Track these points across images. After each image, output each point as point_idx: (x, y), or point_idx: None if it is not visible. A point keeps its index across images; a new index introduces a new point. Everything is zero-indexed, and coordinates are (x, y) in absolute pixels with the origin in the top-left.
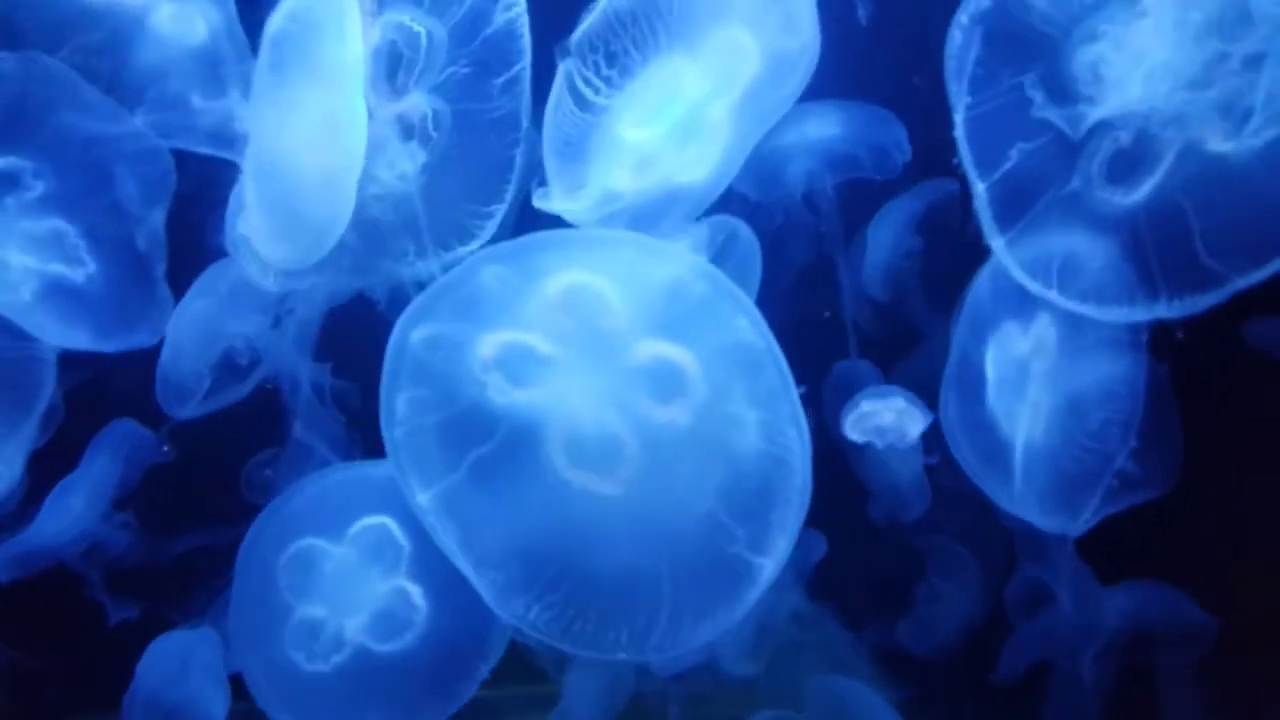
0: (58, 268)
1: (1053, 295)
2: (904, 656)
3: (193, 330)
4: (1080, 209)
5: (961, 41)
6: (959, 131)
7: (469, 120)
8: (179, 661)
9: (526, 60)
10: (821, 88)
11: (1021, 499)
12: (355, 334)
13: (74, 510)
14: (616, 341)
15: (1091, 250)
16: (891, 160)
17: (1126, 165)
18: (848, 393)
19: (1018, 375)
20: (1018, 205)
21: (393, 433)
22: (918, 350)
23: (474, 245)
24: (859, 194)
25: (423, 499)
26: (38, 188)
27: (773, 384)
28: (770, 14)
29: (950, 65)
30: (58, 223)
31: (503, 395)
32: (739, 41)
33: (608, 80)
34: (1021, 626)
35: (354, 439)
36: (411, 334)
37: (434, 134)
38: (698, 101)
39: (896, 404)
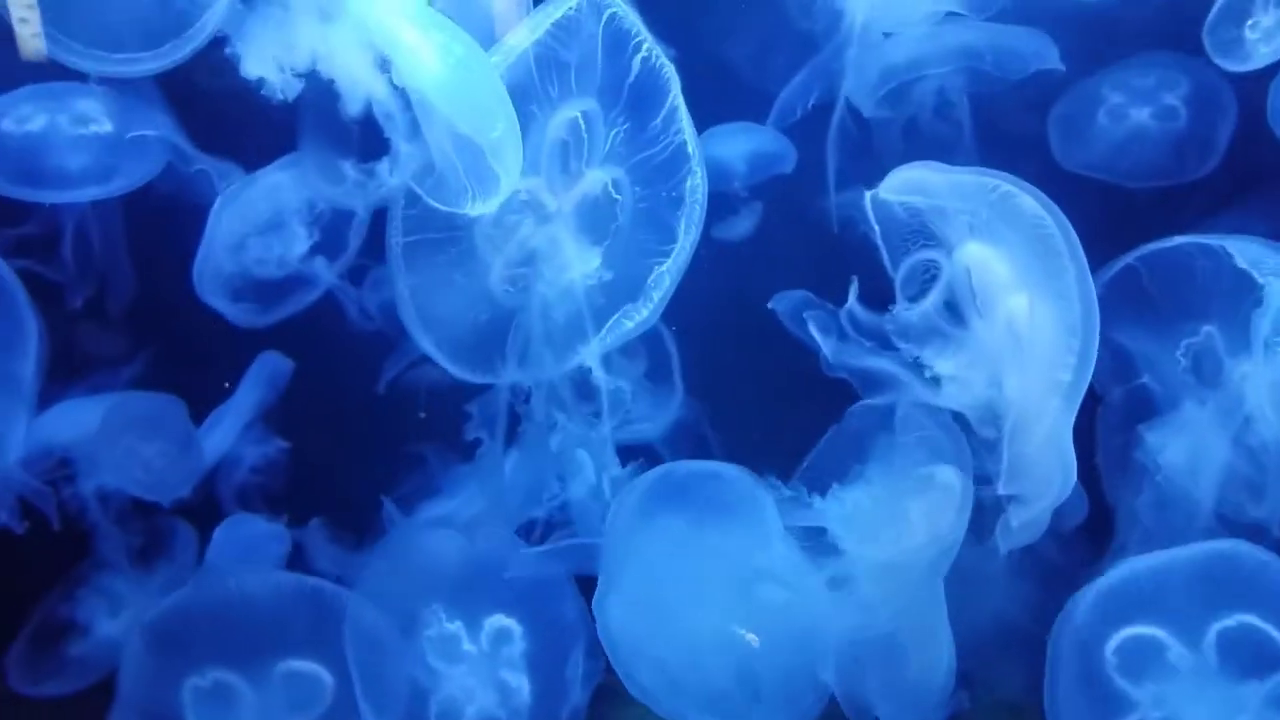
0: (500, 716)
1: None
2: None
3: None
4: None
5: None
6: None
7: (644, 171)
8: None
9: (676, 88)
10: None
11: None
12: None
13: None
14: None
15: None
16: (1019, 63)
17: None
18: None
19: None
20: None
21: None
22: None
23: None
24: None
25: None
26: (521, 646)
27: None
28: None
29: None
30: (523, 680)
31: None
32: None
33: None
34: None
35: None
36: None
37: (618, 197)
38: None
39: None
